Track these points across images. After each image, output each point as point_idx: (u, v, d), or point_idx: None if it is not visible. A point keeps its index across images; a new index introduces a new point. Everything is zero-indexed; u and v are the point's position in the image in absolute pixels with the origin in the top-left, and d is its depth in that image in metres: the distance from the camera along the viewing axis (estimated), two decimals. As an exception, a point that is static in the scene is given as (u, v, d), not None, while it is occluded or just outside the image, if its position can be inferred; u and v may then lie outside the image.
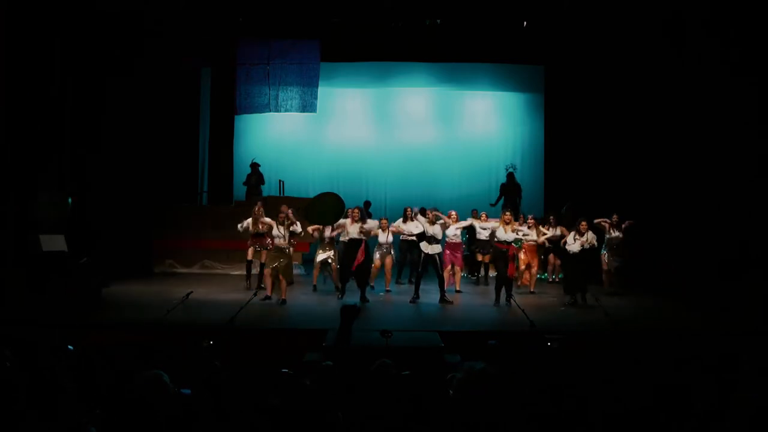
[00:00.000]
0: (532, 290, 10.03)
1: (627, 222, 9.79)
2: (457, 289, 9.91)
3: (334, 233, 9.54)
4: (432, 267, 9.12)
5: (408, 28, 12.97)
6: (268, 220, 9.24)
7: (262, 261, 9.39)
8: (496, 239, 9.08)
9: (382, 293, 9.74)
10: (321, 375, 3.95)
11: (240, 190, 13.57)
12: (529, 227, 10.01)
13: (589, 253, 9.22)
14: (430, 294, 9.37)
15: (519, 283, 10.17)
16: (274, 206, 11.57)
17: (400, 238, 9.89)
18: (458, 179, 14.64)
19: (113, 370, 4.20)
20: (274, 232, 8.97)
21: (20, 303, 8.12)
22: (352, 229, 9.04)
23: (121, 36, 11.23)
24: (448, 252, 9.64)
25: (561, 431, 3.46)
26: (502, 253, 9.00)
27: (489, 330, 7.23)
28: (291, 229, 9.06)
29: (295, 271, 10.69)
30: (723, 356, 4.27)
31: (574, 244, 9.14)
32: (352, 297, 9.05)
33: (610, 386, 3.88)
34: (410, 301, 9.04)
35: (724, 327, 7.68)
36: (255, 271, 9.89)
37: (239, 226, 9.67)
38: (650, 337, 7.11)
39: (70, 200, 4.30)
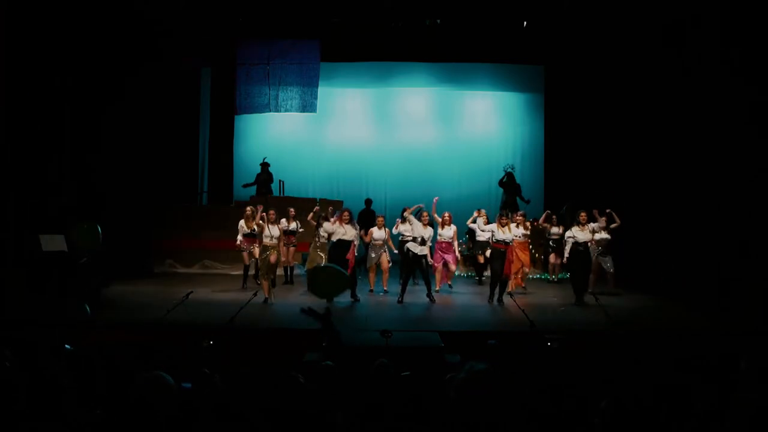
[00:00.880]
0: (523, 286, 10.02)
1: (605, 216, 9.66)
2: (449, 283, 9.99)
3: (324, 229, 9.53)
4: (418, 268, 9.18)
5: (408, 28, 12.98)
6: (261, 222, 9.24)
7: (255, 257, 9.42)
8: (494, 240, 9.07)
9: (380, 293, 9.72)
10: (321, 375, 3.95)
11: (240, 190, 13.57)
12: (517, 225, 10.00)
13: (587, 254, 9.22)
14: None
15: (511, 287, 10.11)
16: (274, 206, 11.59)
17: (399, 239, 9.87)
18: (458, 179, 14.65)
19: (113, 370, 4.20)
20: (265, 233, 8.99)
21: (20, 303, 8.12)
22: (340, 231, 9.05)
23: (121, 36, 11.23)
24: (439, 251, 9.63)
25: (561, 431, 3.46)
26: (500, 253, 8.99)
27: (489, 330, 7.23)
28: (289, 228, 9.08)
29: (295, 271, 10.69)
30: (723, 356, 4.26)
31: (580, 233, 9.13)
32: (362, 298, 9.05)
33: (610, 386, 3.88)
34: (398, 301, 9.06)
35: (724, 327, 7.68)
36: (251, 272, 9.93)
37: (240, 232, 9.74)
38: (650, 337, 7.10)
39: (99, 228, 4.34)
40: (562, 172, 13.45)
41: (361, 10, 12.34)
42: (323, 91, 13.15)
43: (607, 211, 9.61)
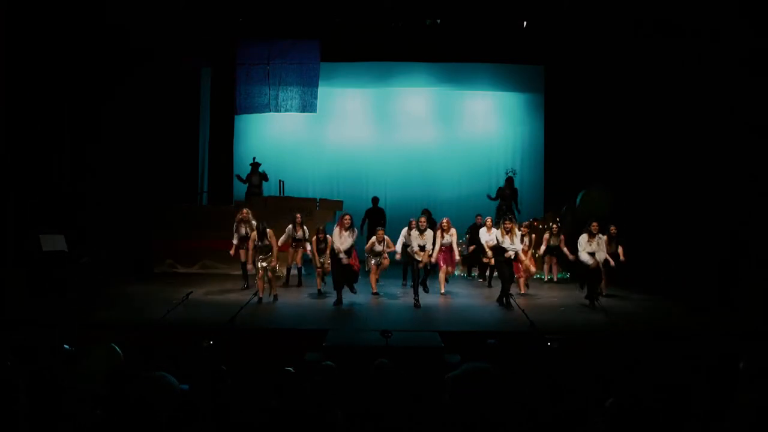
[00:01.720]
0: (523, 292, 10.00)
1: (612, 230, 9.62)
2: (442, 291, 9.88)
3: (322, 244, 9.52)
4: (421, 270, 9.16)
5: (408, 28, 12.98)
6: (254, 223, 9.21)
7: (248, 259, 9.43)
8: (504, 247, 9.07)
9: (381, 293, 9.71)
10: (321, 375, 3.95)
11: (240, 190, 13.57)
12: (523, 235, 9.99)
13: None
14: (430, 295, 9.36)
15: (520, 289, 10.10)
16: (274, 207, 11.60)
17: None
18: (458, 179, 14.65)
19: (113, 370, 4.20)
20: (253, 236, 8.99)
21: (20, 303, 8.12)
22: (341, 238, 8.99)
23: (122, 36, 11.24)
24: (440, 255, 9.59)
25: (561, 431, 3.46)
26: (503, 255, 8.99)
27: (489, 330, 7.23)
28: (297, 235, 9.07)
29: (293, 272, 10.68)
30: (723, 357, 4.26)
31: (589, 246, 9.03)
32: (363, 298, 9.06)
33: (610, 386, 3.88)
34: (414, 306, 9.00)
35: (724, 327, 7.68)
36: (251, 271, 9.89)
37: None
38: (650, 338, 7.11)
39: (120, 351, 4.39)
40: (562, 172, 13.44)
41: (361, 10, 12.34)
42: (323, 91, 13.15)
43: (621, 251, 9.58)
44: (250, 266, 9.51)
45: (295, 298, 9.26)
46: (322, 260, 9.40)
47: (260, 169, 13.15)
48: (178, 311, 6.84)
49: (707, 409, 3.38)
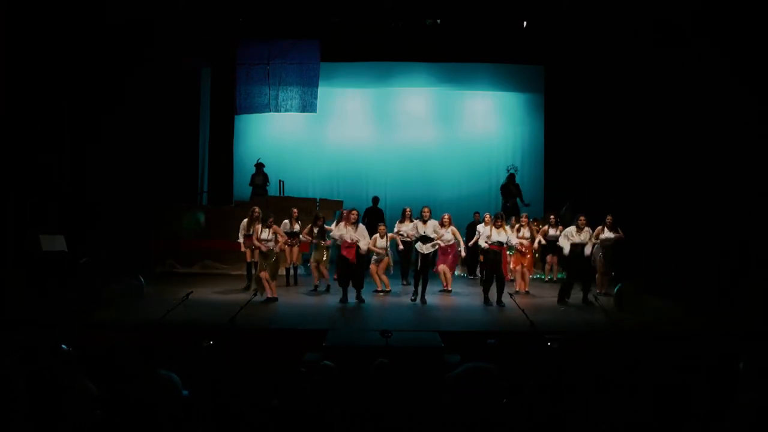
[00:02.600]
0: (526, 290, 10.01)
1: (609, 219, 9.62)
2: (449, 288, 9.91)
3: (332, 234, 9.53)
4: (423, 265, 9.15)
5: (408, 28, 12.98)
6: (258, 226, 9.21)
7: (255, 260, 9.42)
8: (488, 241, 9.02)
9: (382, 293, 9.71)
10: (321, 375, 3.95)
11: (240, 190, 13.57)
12: (521, 226, 10.03)
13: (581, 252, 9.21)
14: (429, 295, 9.37)
15: (524, 289, 10.10)
16: (275, 206, 11.60)
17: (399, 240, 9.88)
18: (458, 179, 14.65)
19: (113, 370, 4.20)
20: (263, 236, 8.97)
21: (20, 303, 8.12)
22: (346, 233, 9.00)
23: (122, 36, 11.23)
24: (440, 253, 9.61)
25: (561, 431, 3.46)
26: (494, 254, 8.97)
27: (489, 330, 7.22)
28: (293, 229, 9.09)
29: (291, 272, 10.67)
30: (723, 357, 4.26)
31: (573, 237, 9.11)
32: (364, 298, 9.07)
33: (610, 386, 3.88)
34: (411, 299, 9.07)
35: (724, 327, 7.68)
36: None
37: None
38: (650, 338, 7.10)
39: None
40: (562, 172, 13.45)
41: (361, 10, 12.34)
42: (323, 91, 13.15)
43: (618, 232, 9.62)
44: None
45: (295, 298, 9.26)
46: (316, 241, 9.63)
47: (264, 171, 13.18)
48: (178, 311, 6.84)
49: (707, 409, 3.38)
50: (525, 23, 12.84)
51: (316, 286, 10.00)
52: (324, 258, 9.88)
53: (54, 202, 10.27)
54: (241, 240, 9.65)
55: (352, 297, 9.02)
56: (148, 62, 11.76)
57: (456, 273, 11.46)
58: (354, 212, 9.18)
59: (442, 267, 9.78)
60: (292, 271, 10.57)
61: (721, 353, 4.52)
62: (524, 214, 10.53)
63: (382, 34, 12.97)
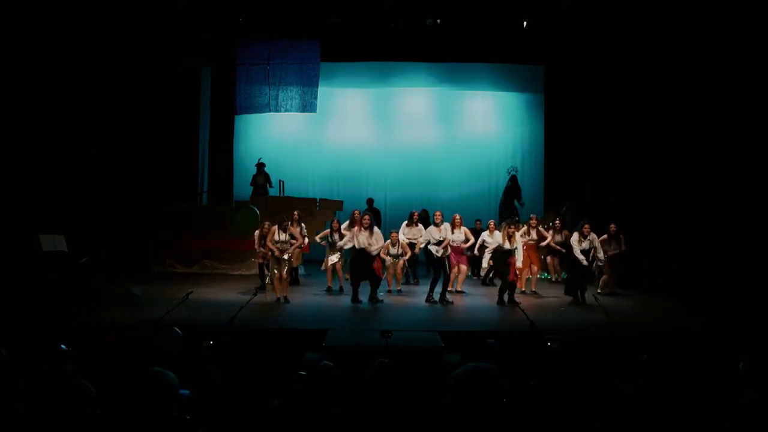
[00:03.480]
0: (533, 290, 10.01)
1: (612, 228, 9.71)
2: (459, 289, 9.91)
3: (343, 242, 9.55)
4: (437, 268, 9.20)
5: (408, 28, 12.98)
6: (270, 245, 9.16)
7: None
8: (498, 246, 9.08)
9: (382, 293, 9.71)
10: (321, 375, 3.94)
11: (240, 190, 13.57)
12: (531, 227, 10.04)
13: (588, 254, 9.23)
14: (435, 294, 9.41)
15: (521, 287, 10.10)
16: (274, 206, 11.61)
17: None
18: (458, 179, 14.64)
19: (113, 370, 4.20)
20: (276, 238, 8.94)
21: (20, 303, 8.12)
22: (361, 238, 8.98)
23: (122, 36, 11.23)
24: (452, 254, 9.60)
25: (561, 431, 3.46)
26: (502, 254, 9.01)
27: (489, 330, 7.22)
28: (292, 232, 9.08)
29: (296, 272, 10.69)
30: (723, 357, 4.27)
31: (579, 245, 9.13)
32: (364, 298, 9.06)
33: (610, 386, 3.88)
34: (426, 300, 9.11)
35: (724, 328, 7.68)
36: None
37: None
38: (650, 338, 7.10)
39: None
40: (562, 172, 13.45)
41: (361, 10, 12.35)
42: (323, 91, 13.15)
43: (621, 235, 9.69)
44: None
45: (296, 298, 9.25)
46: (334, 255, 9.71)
47: (265, 170, 13.18)
48: (178, 311, 6.83)
49: (707, 409, 3.38)
50: (525, 23, 12.84)
51: (330, 288, 9.98)
52: (337, 260, 9.86)
53: (54, 202, 10.27)
54: (256, 247, 9.63)
55: (347, 298, 9.04)
56: (148, 62, 11.76)
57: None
58: (366, 217, 9.16)
59: (463, 268, 9.79)
60: (294, 273, 10.56)
61: (721, 353, 4.53)
62: (533, 216, 10.47)
63: (382, 34, 12.97)
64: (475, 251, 9.65)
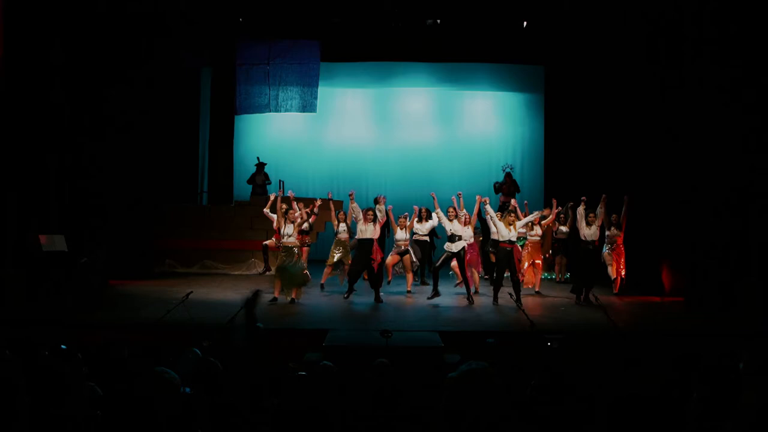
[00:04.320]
0: (537, 290, 9.98)
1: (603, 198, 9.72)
2: (477, 289, 9.81)
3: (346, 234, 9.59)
4: (459, 263, 9.22)
5: (408, 28, 12.98)
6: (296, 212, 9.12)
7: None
8: (500, 239, 9.04)
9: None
10: (320, 375, 3.94)
11: (240, 190, 13.57)
12: (533, 224, 10.02)
13: (596, 252, 9.22)
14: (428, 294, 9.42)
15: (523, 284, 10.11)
16: (274, 206, 11.59)
17: (412, 237, 9.89)
18: (458, 179, 14.60)
19: (114, 370, 4.20)
20: (283, 231, 8.94)
21: (20, 303, 8.12)
22: (364, 229, 9.01)
23: (121, 36, 11.22)
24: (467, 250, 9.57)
25: (560, 431, 3.46)
26: (506, 252, 8.99)
27: (489, 330, 7.23)
28: (303, 227, 9.09)
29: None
30: (723, 357, 4.26)
31: (588, 230, 9.16)
32: (364, 298, 9.07)
33: (610, 386, 3.88)
34: (428, 298, 9.10)
35: (724, 327, 7.68)
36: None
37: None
38: (650, 337, 7.11)
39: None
40: (562, 172, 13.44)
41: (361, 10, 12.35)
42: (323, 91, 13.15)
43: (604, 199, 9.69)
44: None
45: (304, 299, 9.24)
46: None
47: (264, 170, 13.18)
48: (178, 311, 6.84)
49: (707, 409, 3.38)
50: (525, 23, 12.84)
51: (323, 286, 9.99)
52: (341, 257, 9.84)
53: (54, 202, 10.26)
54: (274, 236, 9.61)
55: (357, 296, 9.05)
56: (148, 62, 11.76)
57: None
58: (370, 211, 9.18)
59: (472, 270, 9.81)
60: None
61: (721, 353, 4.52)
62: (536, 213, 10.46)
63: (382, 34, 12.97)
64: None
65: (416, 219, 9.82)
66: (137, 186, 11.65)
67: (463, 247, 9.18)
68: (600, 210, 9.50)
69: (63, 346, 3.96)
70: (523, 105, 14.78)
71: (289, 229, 8.93)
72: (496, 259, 9.27)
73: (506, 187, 12.99)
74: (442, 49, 13.27)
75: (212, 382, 3.72)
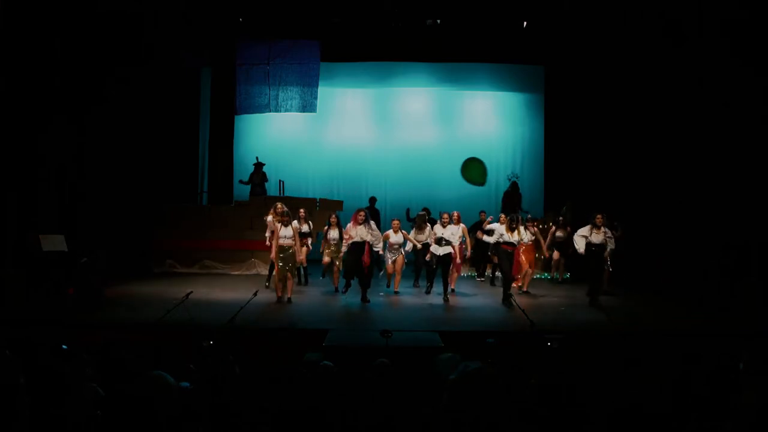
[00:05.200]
0: (525, 290, 9.98)
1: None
2: (452, 287, 9.88)
3: (335, 236, 9.58)
4: (442, 267, 9.30)
5: (408, 28, 12.99)
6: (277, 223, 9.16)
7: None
8: (502, 241, 9.10)
9: (382, 293, 9.71)
10: (320, 375, 3.95)
11: (240, 190, 13.57)
12: (525, 228, 10.02)
13: (601, 252, 9.21)
14: (430, 294, 9.38)
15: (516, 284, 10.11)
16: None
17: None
18: (458, 179, 14.66)
19: (114, 370, 4.20)
20: (281, 232, 8.94)
21: (20, 303, 8.12)
22: (355, 232, 8.98)
23: (121, 36, 11.23)
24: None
25: (560, 431, 3.46)
26: (507, 254, 9.03)
27: (489, 330, 7.22)
28: (302, 230, 9.09)
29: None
30: (723, 357, 4.26)
31: (591, 236, 9.13)
32: (355, 296, 9.07)
33: (610, 386, 3.88)
34: (426, 292, 9.38)
35: (724, 327, 7.68)
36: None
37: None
38: (650, 337, 7.11)
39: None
40: (562, 172, 13.46)
41: (361, 10, 12.35)
42: (323, 91, 13.15)
43: (615, 223, 9.67)
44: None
45: (296, 298, 9.25)
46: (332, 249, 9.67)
47: (263, 169, 13.17)
48: (178, 311, 6.84)
49: (707, 409, 3.38)
50: (525, 23, 12.84)
51: (337, 289, 9.99)
52: (332, 258, 9.85)
53: (54, 202, 10.27)
54: (268, 234, 9.62)
55: (353, 295, 9.05)
56: (148, 62, 11.76)
57: (464, 273, 11.40)
58: (362, 212, 9.15)
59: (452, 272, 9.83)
60: (302, 271, 10.53)
61: (721, 353, 4.52)
62: (534, 222, 10.55)
63: (382, 34, 12.98)
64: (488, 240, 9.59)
65: (415, 230, 9.86)
66: (137, 186, 11.66)
67: (449, 253, 9.29)
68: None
69: (63, 346, 3.97)
70: (523, 105, 14.78)
71: (288, 231, 8.93)
72: (498, 259, 9.31)
73: (509, 199, 12.98)
74: (442, 49, 13.28)
75: (216, 382, 3.72)
